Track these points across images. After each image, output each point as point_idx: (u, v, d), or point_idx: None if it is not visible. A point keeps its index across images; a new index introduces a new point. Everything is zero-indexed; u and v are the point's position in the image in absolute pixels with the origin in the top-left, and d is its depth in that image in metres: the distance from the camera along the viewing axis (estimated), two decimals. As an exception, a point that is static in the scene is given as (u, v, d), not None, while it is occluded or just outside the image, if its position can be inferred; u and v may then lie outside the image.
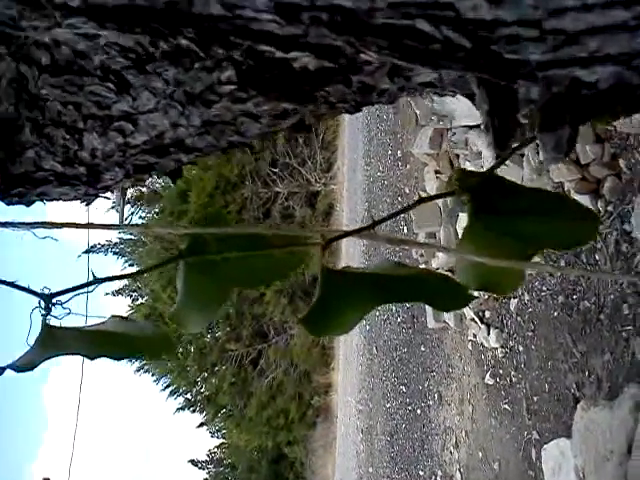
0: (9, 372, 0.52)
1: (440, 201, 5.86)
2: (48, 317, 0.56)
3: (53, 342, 0.56)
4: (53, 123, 0.72)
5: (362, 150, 11.65)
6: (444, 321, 5.62)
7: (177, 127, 0.73)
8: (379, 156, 9.66)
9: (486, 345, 4.45)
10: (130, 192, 22.95)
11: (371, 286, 0.60)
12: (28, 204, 0.88)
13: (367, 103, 0.76)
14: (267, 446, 18.73)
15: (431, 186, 6.05)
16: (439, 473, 5.11)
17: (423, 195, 6.40)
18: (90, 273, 0.60)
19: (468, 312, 4.92)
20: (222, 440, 23.02)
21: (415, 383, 6.15)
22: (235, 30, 0.47)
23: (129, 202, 22.85)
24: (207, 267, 0.61)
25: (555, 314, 3.46)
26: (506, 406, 3.96)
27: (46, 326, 0.56)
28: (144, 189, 23.26)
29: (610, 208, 3.07)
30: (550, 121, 0.52)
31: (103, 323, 0.63)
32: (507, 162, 4.48)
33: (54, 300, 0.56)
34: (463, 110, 4.93)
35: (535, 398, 3.57)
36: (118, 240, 23.53)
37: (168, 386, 21.45)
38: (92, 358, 0.59)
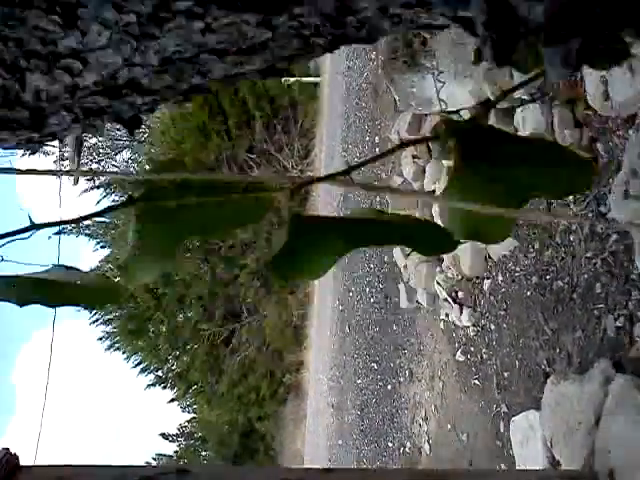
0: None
1: (416, 185, 5.87)
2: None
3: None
4: (-9, 62, 0.64)
5: (340, 137, 11.60)
6: (417, 301, 5.65)
7: (132, 66, 0.65)
8: (357, 142, 9.63)
9: (458, 324, 4.48)
10: (105, 178, 22.62)
11: (343, 230, 0.57)
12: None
13: (344, 39, 0.69)
14: (238, 421, 18.76)
15: (408, 170, 6.04)
16: (408, 444, 5.15)
17: (399, 179, 6.40)
18: (28, 218, 0.57)
19: (441, 292, 4.94)
20: (193, 415, 23.00)
21: (387, 360, 6.18)
22: None
23: (101, 186, 22.51)
24: (162, 215, 0.58)
25: (528, 294, 3.49)
26: (476, 382, 4.00)
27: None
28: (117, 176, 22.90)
29: (586, 191, 3.10)
30: (558, 33, 0.47)
31: (45, 272, 0.61)
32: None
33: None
34: (442, 96, 4.92)
35: (505, 374, 3.60)
36: (90, 222, 23.22)
37: (139, 364, 21.31)
38: (21, 304, 0.57)
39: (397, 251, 6.18)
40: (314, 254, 0.55)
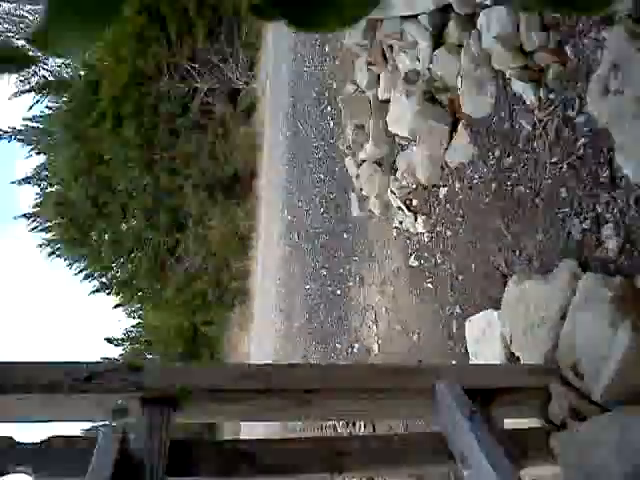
0: None
1: (370, 94, 5.60)
2: None
3: None
4: None
5: (288, 45, 10.98)
6: (369, 210, 5.54)
7: None
8: (306, 51, 9.12)
9: (412, 231, 4.40)
10: (35, 79, 20.96)
11: None
12: None
13: None
14: (184, 326, 18.80)
15: (361, 78, 5.75)
16: (357, 346, 5.20)
17: (352, 87, 6.10)
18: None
19: (395, 201, 4.83)
20: (139, 320, 22.91)
21: (337, 267, 6.13)
22: None
23: (34, 90, 20.95)
24: None
25: (487, 200, 3.40)
26: (429, 285, 3.97)
27: None
28: (49, 76, 21.32)
29: (552, 96, 2.96)
30: None
31: None
32: (444, 53, 4.25)
33: None
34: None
35: (460, 277, 3.58)
36: (23, 127, 21.80)
37: (82, 270, 20.77)
38: None
39: (349, 160, 5.99)
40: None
